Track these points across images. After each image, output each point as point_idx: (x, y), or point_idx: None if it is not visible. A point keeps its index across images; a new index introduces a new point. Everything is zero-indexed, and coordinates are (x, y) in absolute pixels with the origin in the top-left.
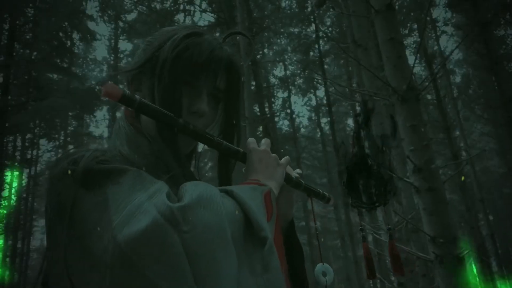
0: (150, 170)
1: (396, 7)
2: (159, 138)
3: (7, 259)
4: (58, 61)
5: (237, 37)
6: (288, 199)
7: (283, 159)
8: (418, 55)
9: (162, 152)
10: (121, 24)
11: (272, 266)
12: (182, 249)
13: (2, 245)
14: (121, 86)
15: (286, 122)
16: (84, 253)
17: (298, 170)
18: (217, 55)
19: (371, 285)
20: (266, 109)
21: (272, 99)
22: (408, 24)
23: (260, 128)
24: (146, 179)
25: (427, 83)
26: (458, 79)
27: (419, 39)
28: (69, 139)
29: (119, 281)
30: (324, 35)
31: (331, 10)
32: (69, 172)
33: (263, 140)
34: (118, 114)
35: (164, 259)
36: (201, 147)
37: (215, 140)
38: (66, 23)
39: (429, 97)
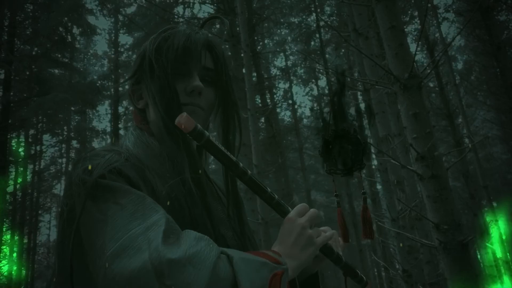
0: (158, 170)
1: None
2: (169, 141)
3: (14, 254)
4: (59, 56)
5: (237, 29)
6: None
7: (321, 237)
8: (420, 42)
9: (173, 153)
10: (120, 17)
11: None
12: None
13: (9, 240)
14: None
15: (288, 113)
16: (82, 266)
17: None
18: (194, 37)
19: (376, 272)
20: (268, 100)
21: (274, 90)
22: (409, 12)
23: (263, 120)
24: (148, 206)
25: (429, 71)
26: (460, 65)
27: (420, 27)
28: (72, 134)
29: None
30: (325, 24)
31: None
32: (82, 182)
33: (310, 211)
34: (121, 109)
35: None
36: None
37: (268, 192)
38: (66, 18)
39: (431, 84)
